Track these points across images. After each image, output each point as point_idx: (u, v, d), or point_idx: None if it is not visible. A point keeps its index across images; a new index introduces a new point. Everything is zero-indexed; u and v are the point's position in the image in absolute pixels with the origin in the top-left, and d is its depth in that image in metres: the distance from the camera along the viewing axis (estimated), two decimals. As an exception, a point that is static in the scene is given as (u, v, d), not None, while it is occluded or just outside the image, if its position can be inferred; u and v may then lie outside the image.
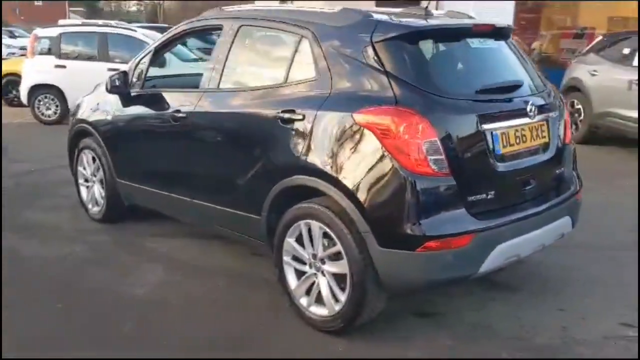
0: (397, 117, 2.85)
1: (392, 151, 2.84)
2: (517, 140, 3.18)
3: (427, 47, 3.11)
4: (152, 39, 9.38)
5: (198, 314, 3.49)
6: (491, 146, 3.05)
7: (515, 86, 3.30)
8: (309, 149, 3.14)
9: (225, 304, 3.61)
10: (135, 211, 4.80)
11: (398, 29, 3.08)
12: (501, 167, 3.09)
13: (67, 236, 4.68)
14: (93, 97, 4.98)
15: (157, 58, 4.51)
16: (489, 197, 3.03)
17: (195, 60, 9.21)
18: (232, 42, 3.78)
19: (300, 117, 3.20)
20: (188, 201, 4.02)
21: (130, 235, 4.68)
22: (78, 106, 5.14)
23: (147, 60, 4.40)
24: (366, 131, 2.92)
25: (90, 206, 5.04)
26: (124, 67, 4.53)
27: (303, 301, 3.34)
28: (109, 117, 4.60)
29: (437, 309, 3.52)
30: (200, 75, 4.06)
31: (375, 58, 3.04)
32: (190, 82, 4.30)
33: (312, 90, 3.24)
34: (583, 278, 3.97)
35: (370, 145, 2.91)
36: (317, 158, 3.10)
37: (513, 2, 11.65)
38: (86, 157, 4.98)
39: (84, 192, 5.14)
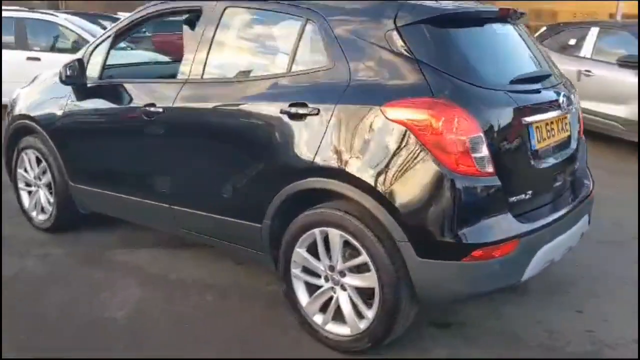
0: (437, 110, 2.52)
1: (431, 149, 2.50)
2: (548, 135, 2.94)
3: (456, 32, 2.79)
4: (78, 25, 8.57)
5: (195, 334, 3.04)
6: (528, 141, 2.78)
7: (545, 76, 3.06)
8: (327, 147, 2.75)
9: (222, 320, 3.18)
10: (89, 219, 4.23)
11: (426, 12, 2.74)
12: (537, 163, 2.84)
13: (13, 250, 4.02)
14: (35, 89, 4.34)
15: (117, 44, 3.93)
16: (527, 197, 2.78)
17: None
18: (217, 26, 3.31)
19: (314, 111, 2.80)
20: (166, 208, 3.52)
21: (89, 247, 4.10)
22: (15, 100, 4.46)
23: (105, 46, 3.83)
24: (400, 127, 2.56)
25: (34, 214, 4.40)
26: (77, 55, 3.92)
27: (317, 319, 2.96)
28: (60, 112, 3.99)
29: (455, 317, 3.23)
30: (171, 63, 3.57)
31: (403, 44, 2.68)
32: (159, 72, 3.79)
33: (324, 80, 2.85)
34: (587, 275, 3.81)
35: (406, 142, 2.56)
36: (339, 158, 2.71)
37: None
38: (28, 158, 4.33)
39: (25, 198, 4.48)
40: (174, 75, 3.53)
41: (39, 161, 4.27)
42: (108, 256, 3.97)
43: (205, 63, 3.31)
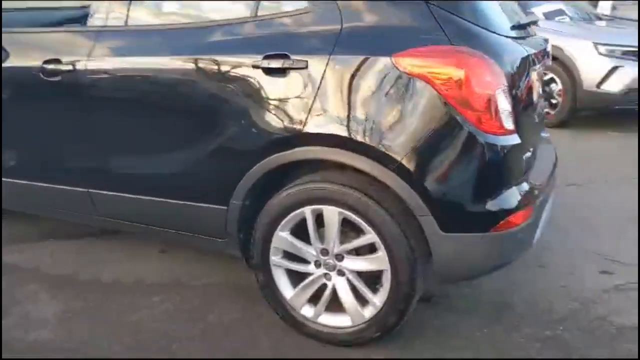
0: (462, 59, 2.15)
1: (456, 105, 2.14)
2: (538, 86, 2.73)
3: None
4: None
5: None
6: (532, 93, 2.54)
7: (528, 23, 2.82)
8: (320, 108, 2.26)
9: (190, 331, 2.60)
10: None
11: None
12: (535, 117, 2.62)
13: None
14: None
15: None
16: (531, 154, 2.55)
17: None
18: None
19: (301, 64, 2.28)
20: (81, 192, 2.79)
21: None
22: None
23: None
24: (416, 80, 2.16)
25: None
26: None
27: (306, 312, 2.53)
28: None
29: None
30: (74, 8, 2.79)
31: (405, -19, 2.26)
32: (56, 18, 2.96)
33: (307, 25, 2.34)
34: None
35: (424, 99, 2.16)
36: (338, 121, 2.25)
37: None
38: None
39: None
40: (79, 22, 2.75)
41: None
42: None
43: (129, 6, 2.60)
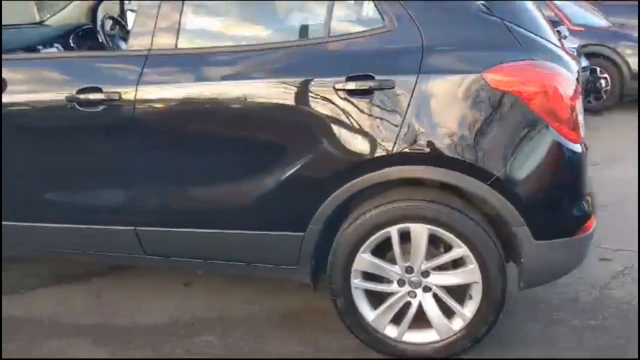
0: (546, 75, 2.26)
1: (546, 117, 2.24)
2: None
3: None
4: None
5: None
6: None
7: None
8: (412, 128, 2.26)
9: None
10: None
11: None
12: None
13: None
14: None
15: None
16: None
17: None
18: None
19: (387, 84, 2.26)
20: (127, 231, 2.55)
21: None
22: None
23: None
24: (506, 95, 2.23)
25: None
26: None
27: (390, 332, 2.51)
28: None
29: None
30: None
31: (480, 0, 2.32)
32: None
33: (386, 45, 2.32)
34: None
35: (515, 113, 2.24)
36: (431, 139, 2.26)
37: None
38: None
39: None
40: (112, 45, 2.51)
41: None
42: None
43: (180, 27, 2.41)
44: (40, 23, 3.68)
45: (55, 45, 3.29)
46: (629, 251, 3.54)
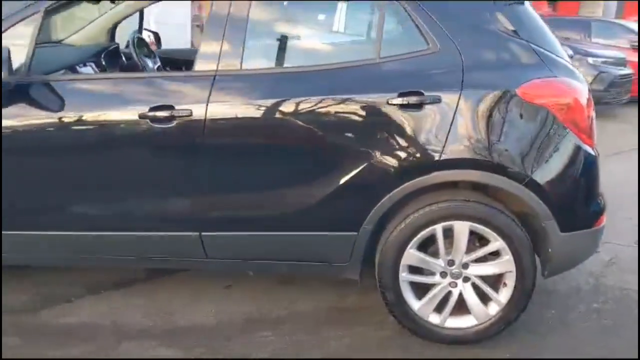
0: (570, 90, 2.64)
1: (569, 126, 2.62)
2: None
3: (533, 12, 2.88)
4: None
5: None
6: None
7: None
8: (457, 137, 2.58)
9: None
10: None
11: None
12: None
13: None
14: None
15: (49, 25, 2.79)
16: None
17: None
18: (250, 6, 2.69)
19: (435, 99, 2.58)
20: (190, 237, 2.75)
21: (19, 318, 2.90)
22: None
23: (29, 29, 2.69)
24: (539, 108, 2.59)
25: None
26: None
27: (434, 319, 2.81)
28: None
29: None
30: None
31: (509, 24, 2.68)
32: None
33: (432, 64, 2.64)
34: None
35: (546, 122, 2.60)
36: (474, 146, 2.59)
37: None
38: None
39: None
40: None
41: None
42: (63, 320, 2.92)
43: (244, 50, 2.65)
44: (59, 42, 3.79)
45: (89, 64, 3.44)
46: (614, 244, 3.96)
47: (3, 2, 2.80)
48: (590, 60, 9.12)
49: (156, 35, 4.13)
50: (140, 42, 3.75)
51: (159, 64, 3.82)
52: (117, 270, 3.33)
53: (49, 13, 2.73)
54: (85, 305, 3.06)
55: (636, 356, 2.78)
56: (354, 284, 2.95)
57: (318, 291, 3.24)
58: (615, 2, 19.08)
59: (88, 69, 3.37)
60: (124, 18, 3.85)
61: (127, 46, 3.80)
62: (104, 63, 3.54)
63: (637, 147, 6.69)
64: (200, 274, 3.34)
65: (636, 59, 10.09)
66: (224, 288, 3.29)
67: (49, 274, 3.27)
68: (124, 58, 3.81)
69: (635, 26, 11.70)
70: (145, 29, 4.04)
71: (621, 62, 9.67)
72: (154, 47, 3.96)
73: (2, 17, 2.69)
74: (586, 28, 11.35)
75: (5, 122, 2.63)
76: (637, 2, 19.56)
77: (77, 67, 3.31)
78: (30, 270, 3.24)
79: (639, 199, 4.66)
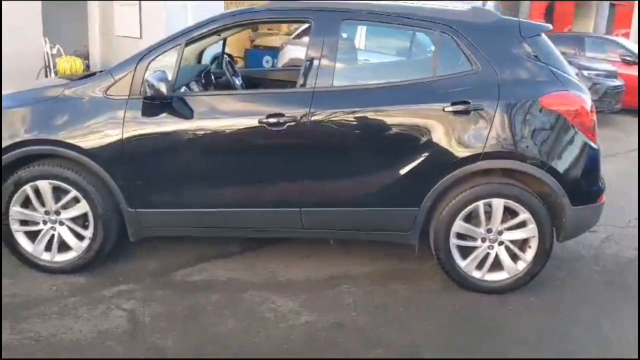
0: (579, 100, 3.56)
1: (580, 128, 3.54)
2: None
3: (549, 41, 3.81)
4: None
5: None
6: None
7: None
8: (495, 135, 3.49)
9: (398, 301, 3.61)
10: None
11: (538, 29, 3.71)
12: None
13: (60, 307, 3.37)
14: (43, 108, 3.66)
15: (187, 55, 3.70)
16: None
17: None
18: (338, 38, 3.60)
19: (479, 107, 3.50)
20: (292, 212, 3.64)
21: (154, 277, 3.78)
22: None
23: (174, 57, 3.60)
24: (556, 113, 3.51)
25: (47, 257, 3.73)
26: (140, 66, 3.56)
27: (476, 274, 3.69)
28: (115, 133, 3.52)
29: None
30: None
31: (532, 51, 3.61)
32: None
33: (475, 81, 3.55)
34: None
35: (559, 124, 3.52)
36: (506, 142, 3.49)
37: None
38: (37, 190, 3.63)
39: (24, 240, 3.73)
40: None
41: (55, 192, 3.65)
42: (192, 278, 3.80)
43: (334, 72, 3.56)
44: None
45: (192, 82, 4.33)
46: (608, 225, 4.87)
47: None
48: (585, 73, 10.09)
49: (232, 58, 5.04)
50: (229, 64, 4.66)
51: (242, 81, 4.72)
52: (216, 244, 4.19)
53: (187, 45, 3.63)
54: (203, 268, 3.92)
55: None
56: (410, 252, 3.85)
57: (380, 258, 4.13)
58: (605, 17, 20.17)
59: (193, 86, 4.27)
60: (211, 44, 4.75)
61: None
62: (203, 81, 4.45)
63: (630, 150, 7.68)
64: (282, 247, 4.21)
65: (626, 72, 11.08)
66: (305, 257, 4.16)
67: (162, 246, 4.12)
68: (213, 77, 4.72)
69: (624, 41, 12.76)
70: (225, 53, 4.94)
71: (613, 75, 10.69)
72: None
73: (152, 47, 3.59)
74: (580, 43, 12.39)
75: (168, 127, 3.54)
76: (625, 16, 20.77)
77: (189, 84, 4.20)
78: (149, 243, 4.09)
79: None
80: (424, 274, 3.93)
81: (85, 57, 11.25)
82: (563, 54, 4.04)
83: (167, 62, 3.63)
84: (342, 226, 3.75)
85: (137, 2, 10.32)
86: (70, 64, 9.96)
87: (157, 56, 3.60)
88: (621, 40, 13.03)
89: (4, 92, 3.95)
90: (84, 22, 11.50)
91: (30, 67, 9.61)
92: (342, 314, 3.43)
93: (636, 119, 10.12)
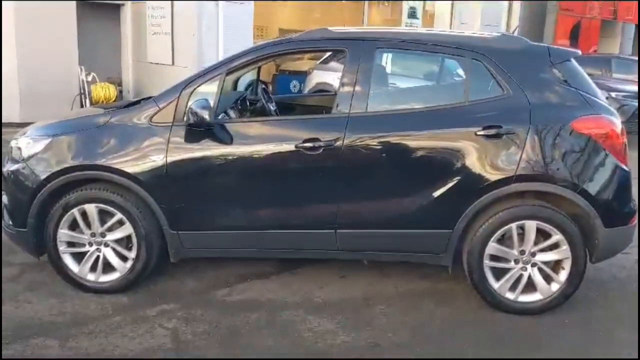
0: (609, 123, 3.63)
1: (611, 151, 3.60)
2: None
3: (578, 66, 3.89)
4: None
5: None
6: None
7: None
8: (527, 158, 3.56)
9: (431, 322, 3.68)
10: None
11: (567, 54, 3.81)
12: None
13: (106, 325, 3.53)
14: (88, 135, 3.84)
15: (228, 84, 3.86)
16: None
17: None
18: (372, 66, 3.73)
19: (511, 131, 3.58)
20: (328, 233, 3.75)
21: (195, 296, 3.91)
22: (40, 148, 3.81)
23: (214, 85, 3.76)
24: (586, 137, 3.58)
25: (91, 277, 3.88)
26: (184, 94, 3.73)
27: (509, 295, 3.74)
28: (159, 159, 3.68)
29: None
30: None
31: (561, 76, 3.70)
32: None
33: (507, 105, 3.64)
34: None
35: (590, 147, 3.59)
36: (538, 164, 3.57)
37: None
38: (84, 213, 3.79)
39: (71, 261, 3.89)
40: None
41: (102, 216, 3.81)
42: (231, 298, 3.91)
43: (368, 98, 3.69)
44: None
45: (230, 108, 4.49)
46: (641, 247, 4.89)
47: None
48: (613, 94, 10.11)
49: (266, 85, 5.21)
50: (264, 91, 4.83)
51: (275, 107, 4.88)
52: (253, 265, 4.31)
53: (227, 75, 3.79)
54: (241, 288, 4.03)
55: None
56: (444, 273, 3.92)
57: (414, 279, 4.20)
58: (632, 37, 20.12)
59: (230, 112, 4.42)
60: (246, 72, 4.92)
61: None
62: (239, 107, 4.61)
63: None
64: (318, 269, 4.31)
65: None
66: (340, 278, 4.25)
67: (201, 267, 4.25)
68: (248, 103, 4.88)
69: (652, 63, 12.69)
70: (259, 80, 5.10)
71: (641, 96, 10.62)
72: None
73: (195, 76, 3.76)
74: (607, 64, 12.39)
75: (209, 152, 3.70)
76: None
77: (227, 111, 4.35)
78: (188, 264, 4.22)
79: None
80: (458, 295, 3.99)
81: (119, 83, 11.59)
82: (590, 75, 4.11)
83: (209, 90, 3.79)
84: (376, 247, 3.84)
85: (170, 30, 10.63)
86: (104, 90, 10.29)
87: (200, 85, 3.75)
88: (648, 61, 12.98)
89: (43, 120, 4.15)
90: (117, 50, 11.87)
91: (65, 94, 9.93)
92: (377, 334, 3.50)
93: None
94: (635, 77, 11.99)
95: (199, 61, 10.11)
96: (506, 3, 16.78)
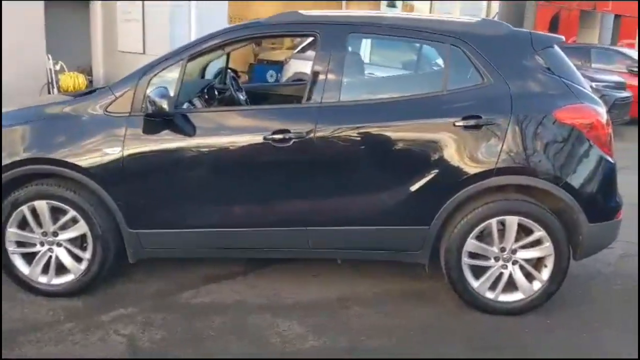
0: (594, 113, 3.43)
1: (595, 141, 3.41)
2: None
3: (562, 53, 3.69)
4: None
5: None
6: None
7: None
8: (508, 150, 3.36)
9: (409, 323, 3.47)
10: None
11: (550, 40, 3.60)
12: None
13: (56, 333, 3.25)
14: (43, 126, 3.56)
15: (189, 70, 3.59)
16: None
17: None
18: (345, 52, 3.49)
19: (491, 122, 3.37)
20: (298, 231, 3.51)
21: (155, 300, 3.64)
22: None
23: (174, 73, 3.49)
24: (569, 127, 3.38)
25: (43, 280, 3.59)
26: (142, 82, 3.45)
27: (489, 295, 3.55)
28: (115, 151, 3.40)
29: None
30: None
31: (544, 63, 3.49)
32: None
33: (487, 94, 3.43)
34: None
35: (574, 138, 3.39)
36: (519, 157, 3.36)
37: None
38: (34, 210, 3.50)
39: (21, 263, 3.60)
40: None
41: (53, 213, 3.53)
42: (194, 301, 3.66)
43: (341, 87, 3.45)
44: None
45: (196, 97, 4.22)
46: (625, 242, 4.71)
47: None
48: (593, 84, 9.97)
49: (236, 73, 4.94)
50: (233, 79, 4.56)
51: (246, 96, 4.61)
52: (220, 265, 4.05)
53: (189, 61, 3.52)
54: (209, 290, 3.78)
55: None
56: (421, 271, 3.72)
57: (390, 278, 3.99)
58: (610, 28, 20.12)
59: (196, 102, 4.15)
60: (215, 59, 4.65)
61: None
62: (206, 97, 4.34)
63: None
64: (289, 267, 4.08)
65: (634, 83, 10.98)
66: (312, 276, 4.02)
67: (161, 268, 3.98)
68: (216, 92, 4.61)
69: (631, 52, 12.65)
70: (228, 68, 4.83)
71: (621, 86, 10.58)
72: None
73: (154, 63, 3.49)
74: (587, 55, 12.28)
75: (169, 144, 3.43)
76: (630, 27, 20.70)
77: (192, 100, 4.08)
78: (147, 265, 3.95)
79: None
80: (435, 295, 3.79)
81: (89, 73, 11.21)
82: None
83: (170, 78, 3.52)
84: (350, 246, 3.61)
85: (141, 18, 10.27)
86: (73, 80, 9.90)
87: (159, 72, 3.49)
88: (627, 51, 12.94)
89: (5, 109, 3.85)
90: (87, 38, 11.47)
91: (33, 84, 9.56)
92: (352, 337, 3.28)
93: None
94: (614, 67, 11.92)
95: (171, 49, 9.75)
96: (485, 3, 16.65)
